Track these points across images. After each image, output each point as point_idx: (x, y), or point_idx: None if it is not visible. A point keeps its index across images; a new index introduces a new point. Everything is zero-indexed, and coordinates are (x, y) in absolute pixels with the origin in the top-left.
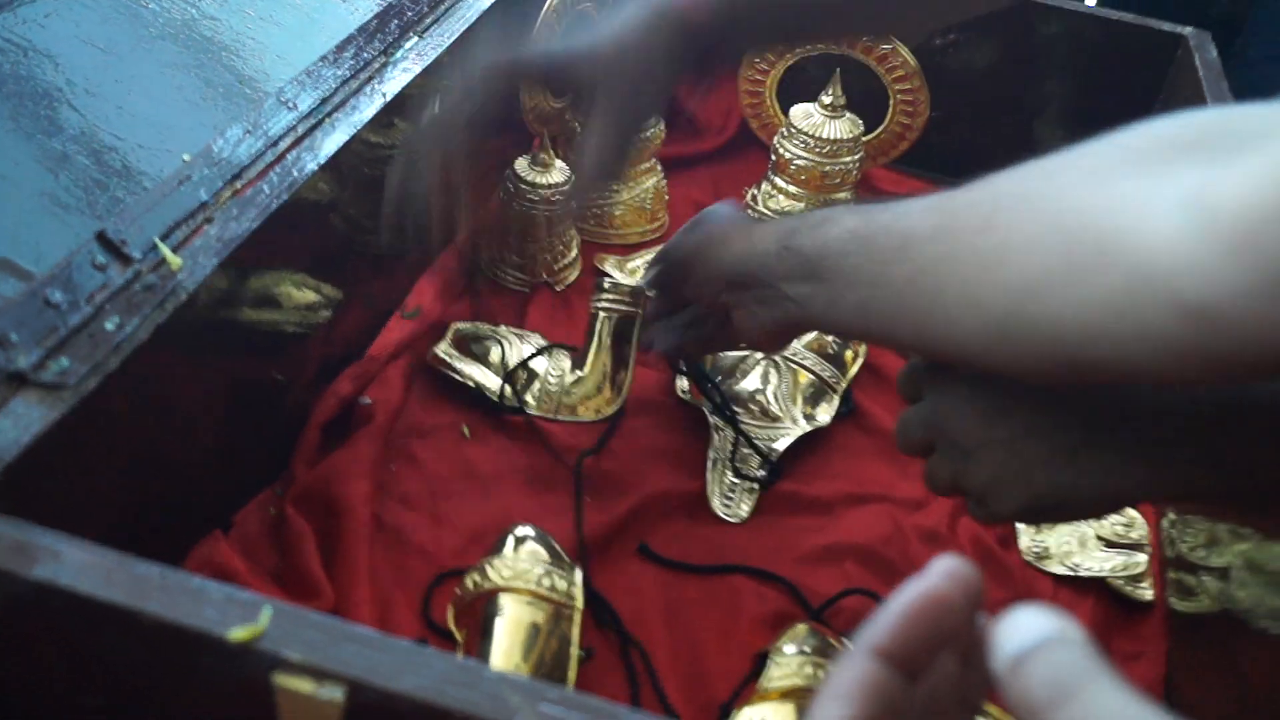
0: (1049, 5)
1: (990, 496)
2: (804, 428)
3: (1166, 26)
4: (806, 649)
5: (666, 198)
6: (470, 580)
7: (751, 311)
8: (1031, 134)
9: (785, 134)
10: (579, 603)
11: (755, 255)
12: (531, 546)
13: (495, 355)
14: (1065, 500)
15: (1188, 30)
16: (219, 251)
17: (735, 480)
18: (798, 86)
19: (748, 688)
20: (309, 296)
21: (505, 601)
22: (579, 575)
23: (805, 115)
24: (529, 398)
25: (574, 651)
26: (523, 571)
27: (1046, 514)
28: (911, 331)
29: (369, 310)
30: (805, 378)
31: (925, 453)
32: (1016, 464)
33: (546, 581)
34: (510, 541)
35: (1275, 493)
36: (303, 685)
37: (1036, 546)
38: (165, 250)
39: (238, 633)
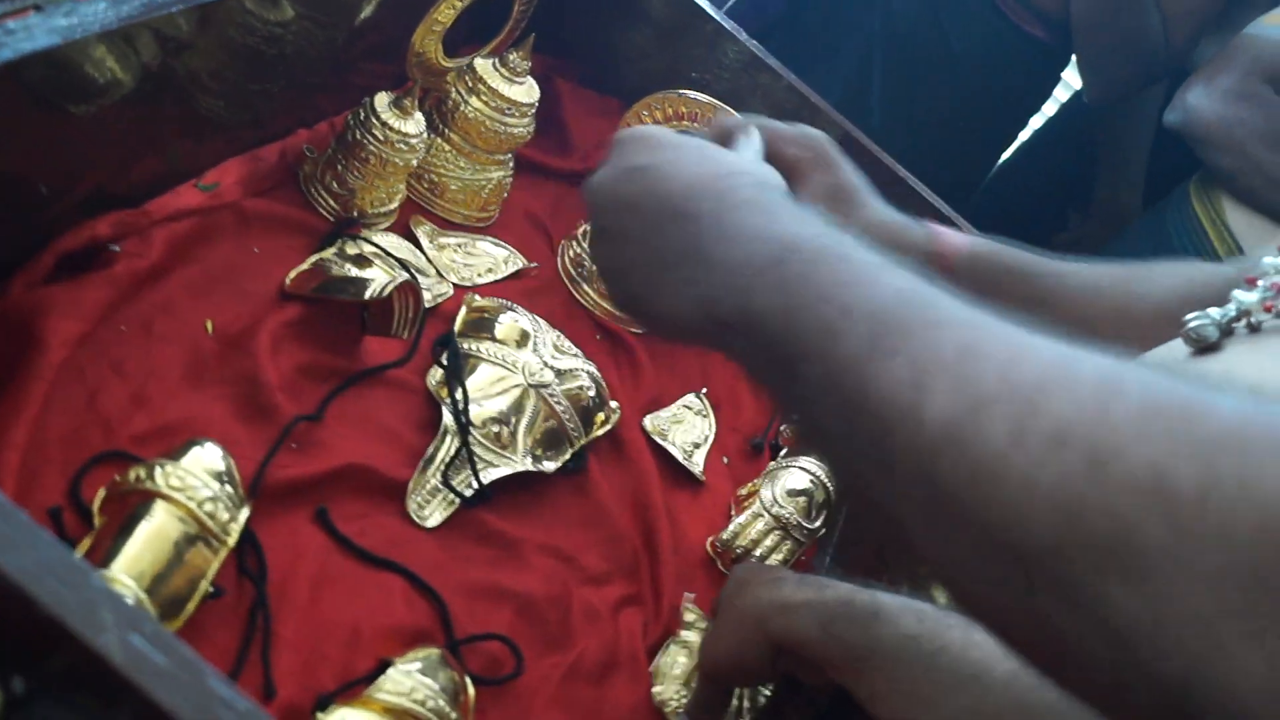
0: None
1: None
2: (524, 466)
3: None
4: (428, 676)
5: (505, 195)
6: (134, 473)
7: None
8: None
9: None
10: (231, 540)
11: (797, 639)
12: (210, 466)
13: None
14: (640, 316)
15: None
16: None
17: (440, 486)
18: None
19: (357, 689)
20: (110, 97)
21: (159, 509)
22: (244, 514)
23: None
24: None
25: (204, 585)
26: (190, 487)
27: (633, 317)
28: None
29: (166, 166)
30: (551, 421)
31: None
32: (619, 261)
33: (209, 507)
34: (193, 453)
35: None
36: None
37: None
38: None
39: None
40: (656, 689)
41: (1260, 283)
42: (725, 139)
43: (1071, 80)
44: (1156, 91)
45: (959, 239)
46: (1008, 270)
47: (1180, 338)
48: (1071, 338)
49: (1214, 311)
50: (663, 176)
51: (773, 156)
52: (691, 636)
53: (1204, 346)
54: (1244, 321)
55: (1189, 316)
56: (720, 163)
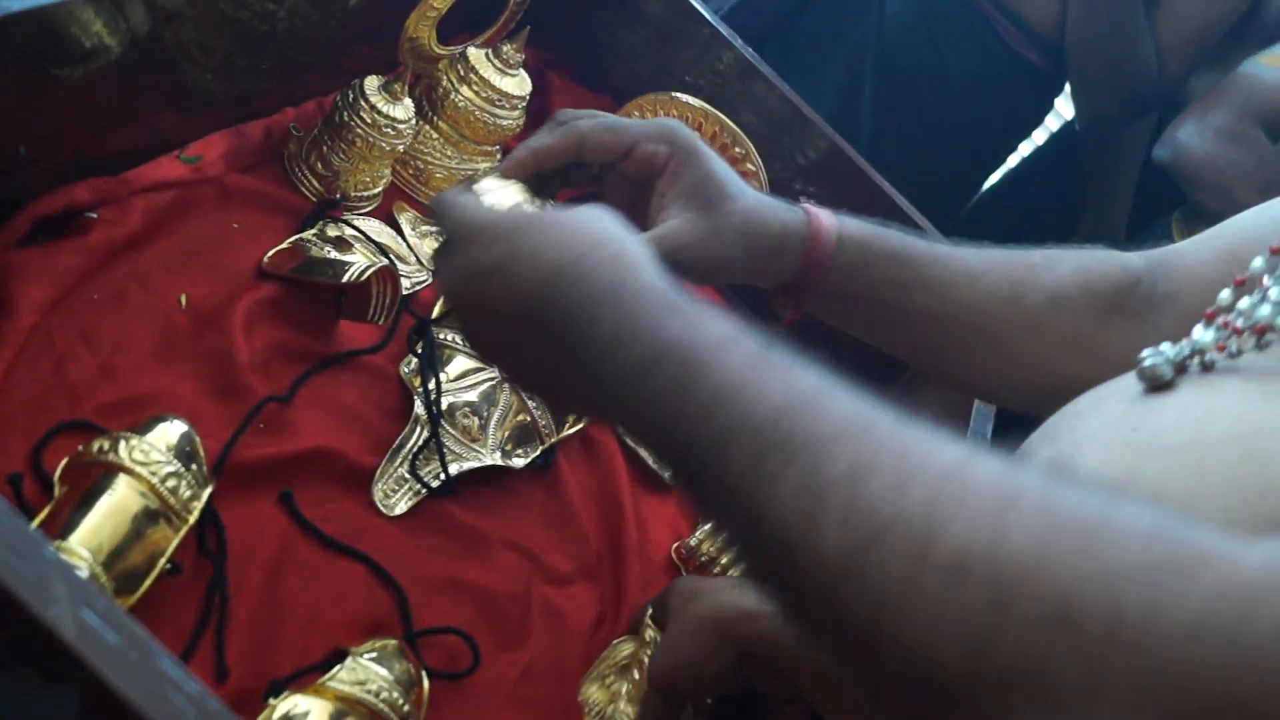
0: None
1: None
2: (493, 460)
3: None
4: (384, 667)
5: None
6: (98, 444)
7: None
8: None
9: None
10: (192, 518)
11: (770, 643)
12: (176, 442)
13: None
14: None
15: None
16: None
17: (407, 476)
18: None
19: (311, 676)
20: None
21: (121, 482)
22: (207, 492)
23: None
24: None
25: (162, 562)
26: (154, 462)
27: None
28: None
29: (149, 136)
30: (522, 416)
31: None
32: (500, 361)
33: (172, 483)
34: (159, 429)
35: None
36: None
37: None
38: None
39: None
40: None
41: (1216, 319)
42: (574, 146)
43: (1063, 110)
44: (1146, 125)
45: (834, 222)
46: (887, 254)
47: (1134, 373)
48: (939, 425)
49: (1167, 348)
50: (515, 276)
51: (636, 158)
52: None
53: (1157, 384)
54: (1197, 360)
55: (1144, 354)
56: (572, 243)
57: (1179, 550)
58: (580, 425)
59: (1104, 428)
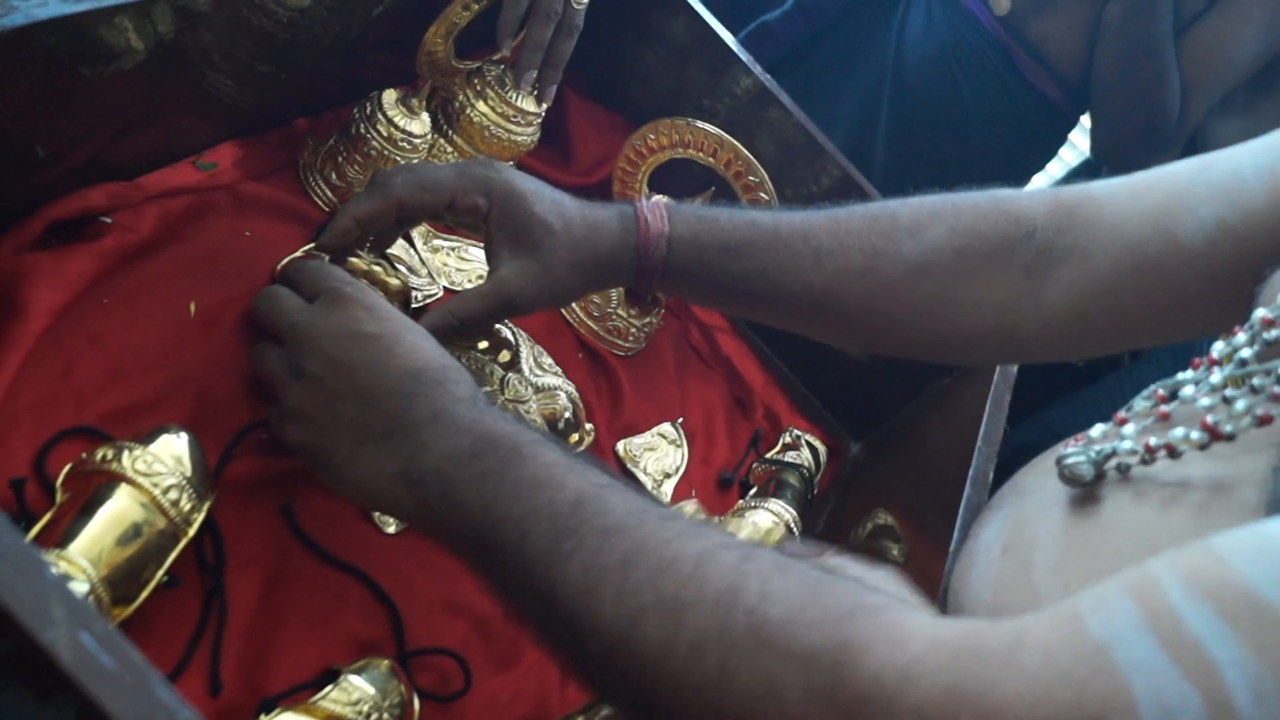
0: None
1: (289, 419)
2: None
3: None
4: (375, 687)
5: None
6: (101, 453)
7: None
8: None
9: None
10: (192, 530)
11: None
12: (180, 454)
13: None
14: (329, 469)
15: None
16: None
17: None
18: (673, 177)
19: (303, 694)
20: (122, 60)
21: (122, 492)
22: (208, 504)
23: None
24: None
25: (160, 574)
26: (156, 474)
27: (315, 467)
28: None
29: (166, 141)
30: None
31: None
32: (324, 413)
33: (174, 495)
34: (163, 439)
35: None
36: None
37: None
38: None
39: None
40: None
41: (1130, 426)
42: (393, 208)
43: (1079, 143)
44: (1163, 161)
45: (663, 223)
46: (719, 247)
47: (1056, 471)
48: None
49: (1086, 449)
50: (389, 352)
51: (460, 210)
52: None
53: (1081, 485)
54: (1114, 463)
55: (1064, 452)
56: (438, 356)
57: (863, 630)
58: (581, 448)
59: (1057, 525)
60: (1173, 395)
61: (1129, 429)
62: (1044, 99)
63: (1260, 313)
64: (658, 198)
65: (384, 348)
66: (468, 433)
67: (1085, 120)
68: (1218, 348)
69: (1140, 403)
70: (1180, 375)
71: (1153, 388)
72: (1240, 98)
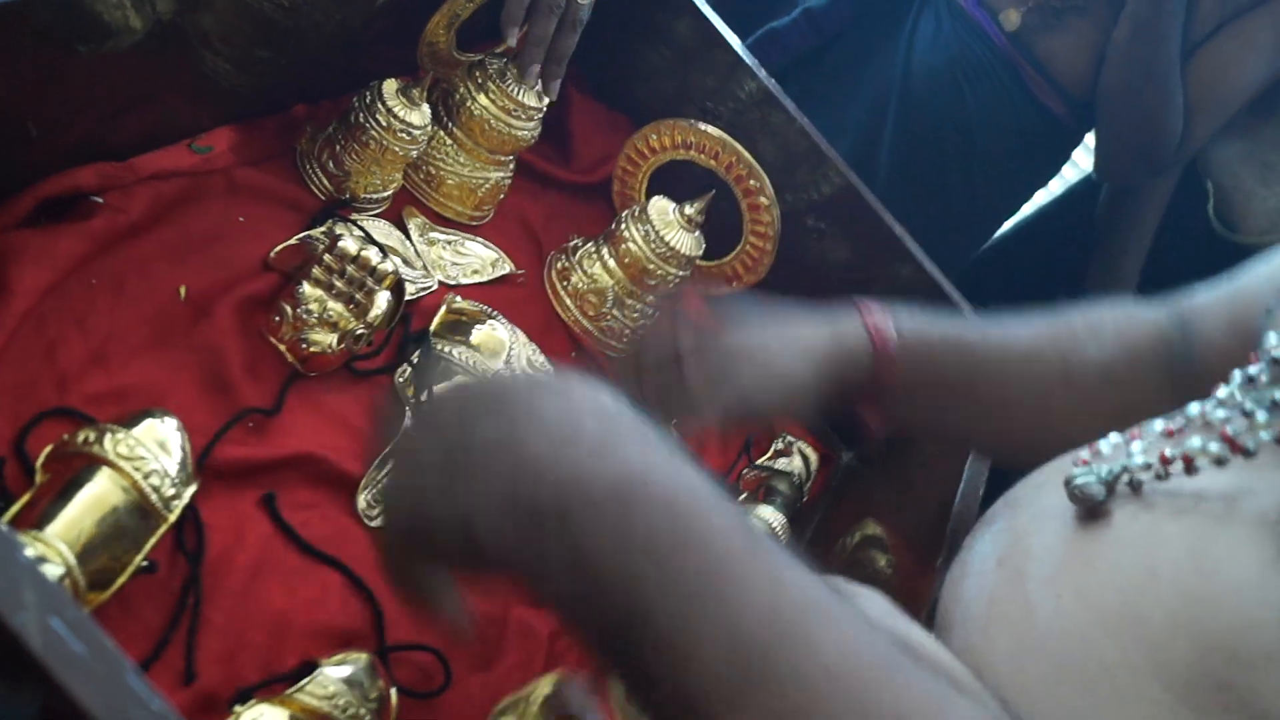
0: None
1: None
2: None
3: None
4: (353, 682)
5: (502, 197)
6: (83, 435)
7: None
8: None
9: (635, 214)
10: (172, 516)
11: None
12: (164, 439)
13: None
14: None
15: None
16: None
17: None
18: (673, 178)
19: (279, 685)
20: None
21: (103, 475)
22: (190, 491)
23: (661, 211)
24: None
25: (138, 559)
26: (138, 458)
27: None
28: None
29: (162, 122)
30: None
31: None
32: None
33: (155, 480)
34: (146, 423)
35: None
36: None
37: None
38: None
39: None
40: None
41: (1138, 441)
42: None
43: (1082, 162)
44: (1164, 184)
45: (889, 319)
46: (947, 342)
47: (1065, 492)
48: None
49: (1097, 468)
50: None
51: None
52: None
53: (1092, 505)
54: (1126, 479)
55: (1074, 472)
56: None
57: None
58: None
59: (1054, 539)
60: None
61: (1138, 445)
62: (1049, 115)
63: (1273, 338)
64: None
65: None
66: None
67: (1090, 138)
68: (1233, 377)
69: (1157, 423)
70: (1190, 405)
71: (1164, 419)
72: (1242, 120)
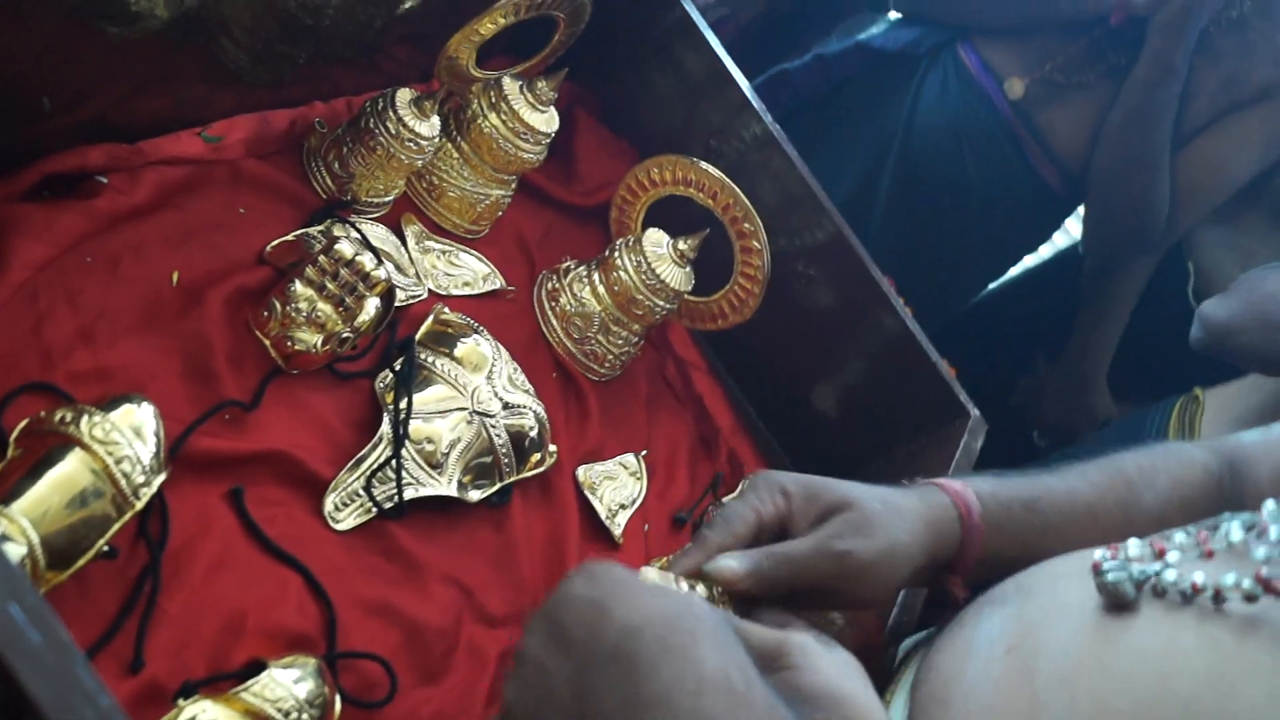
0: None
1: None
2: (449, 491)
3: (963, 397)
4: (300, 686)
5: (500, 214)
6: (60, 414)
7: None
8: (800, 388)
9: (629, 244)
10: (140, 503)
11: None
12: (139, 425)
13: None
14: None
15: (974, 413)
16: None
17: (361, 492)
18: (671, 212)
19: (227, 683)
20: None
21: (75, 456)
22: (159, 480)
23: (656, 243)
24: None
25: (100, 543)
26: (112, 443)
27: None
28: None
29: (175, 109)
30: (486, 453)
31: None
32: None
33: (126, 466)
34: (124, 408)
35: None
36: None
37: None
38: None
39: None
40: None
41: (1174, 554)
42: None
43: (1073, 229)
44: (1146, 263)
45: (972, 496)
46: (1021, 503)
47: (1093, 580)
48: None
49: (1129, 565)
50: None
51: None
52: None
53: (1120, 603)
54: (1154, 583)
55: (1104, 565)
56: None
57: None
58: (541, 469)
59: (1069, 636)
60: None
61: (1173, 557)
62: (1044, 185)
63: None
64: None
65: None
66: None
67: (1081, 209)
68: (1269, 508)
69: (1180, 535)
70: (1224, 515)
71: (1195, 527)
72: (1228, 206)
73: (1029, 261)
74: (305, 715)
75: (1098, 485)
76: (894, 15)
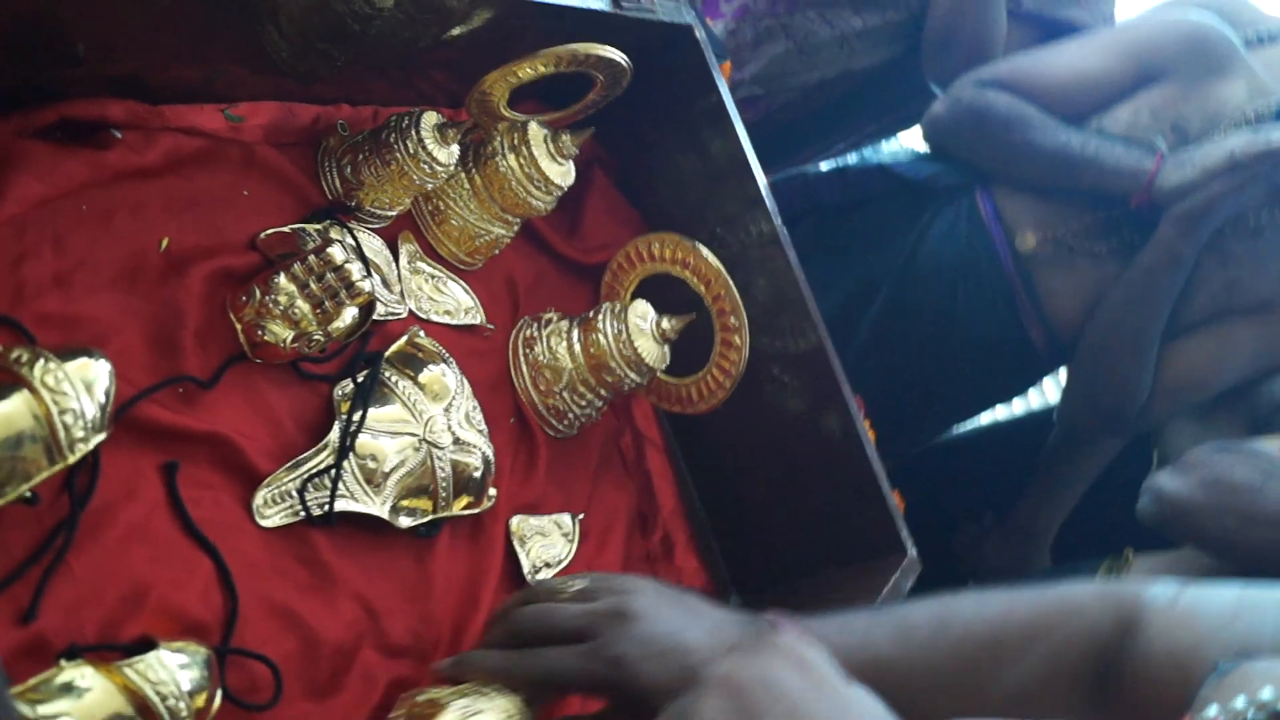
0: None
1: None
2: (380, 513)
3: (904, 534)
4: (184, 674)
5: (496, 252)
6: (16, 353)
7: None
8: (749, 487)
9: (615, 310)
10: (73, 458)
11: None
12: (91, 381)
13: None
14: None
15: (911, 553)
16: None
17: (293, 494)
18: (662, 287)
19: (114, 654)
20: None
21: (20, 399)
22: (99, 439)
23: (641, 315)
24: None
25: (25, 488)
26: (61, 393)
27: None
28: None
29: (205, 82)
30: (426, 482)
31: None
32: None
33: (69, 419)
34: (81, 361)
35: None
36: None
37: None
38: None
39: None
40: None
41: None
42: None
43: (1049, 391)
44: (1112, 445)
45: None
46: (868, 666)
47: None
48: None
49: None
50: None
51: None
52: None
53: None
54: None
55: None
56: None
57: None
58: (476, 511)
59: None
60: None
61: None
62: (1029, 343)
63: (1214, 710)
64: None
65: None
66: None
67: (1063, 373)
68: None
69: None
70: None
71: None
72: (1205, 405)
73: (1000, 413)
74: (182, 705)
75: (961, 656)
76: (923, 148)
